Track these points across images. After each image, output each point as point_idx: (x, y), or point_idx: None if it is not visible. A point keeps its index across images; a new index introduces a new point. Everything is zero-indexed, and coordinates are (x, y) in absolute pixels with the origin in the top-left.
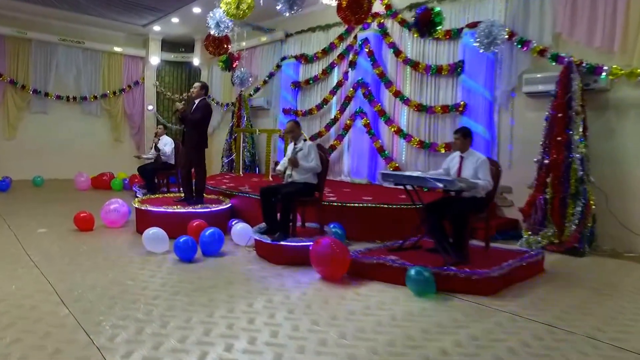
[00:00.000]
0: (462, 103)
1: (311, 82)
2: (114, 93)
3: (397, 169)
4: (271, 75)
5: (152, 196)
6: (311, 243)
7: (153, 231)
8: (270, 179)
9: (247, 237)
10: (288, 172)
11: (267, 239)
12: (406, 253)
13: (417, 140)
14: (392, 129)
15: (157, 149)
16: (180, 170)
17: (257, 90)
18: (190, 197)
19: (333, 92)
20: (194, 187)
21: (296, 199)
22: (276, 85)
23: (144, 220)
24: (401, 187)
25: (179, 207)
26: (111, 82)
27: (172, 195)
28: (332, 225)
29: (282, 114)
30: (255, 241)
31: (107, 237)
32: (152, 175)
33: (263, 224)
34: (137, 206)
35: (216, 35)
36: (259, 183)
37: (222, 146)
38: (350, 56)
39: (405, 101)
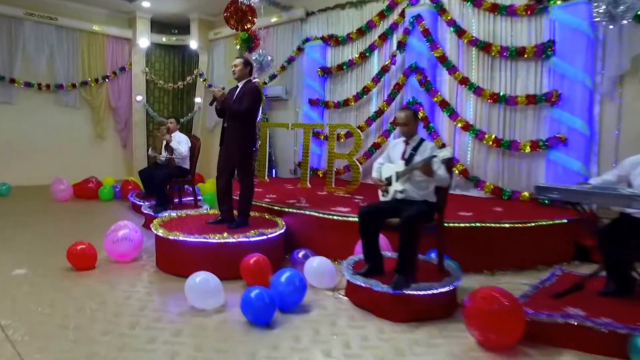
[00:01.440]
0: (554, 92)
1: (345, 67)
2: (96, 81)
3: (464, 172)
4: (290, 60)
5: (173, 214)
6: (448, 289)
7: (201, 278)
8: (309, 185)
9: (328, 277)
10: (397, 185)
11: (381, 287)
12: (575, 298)
13: (492, 137)
14: (459, 124)
15: (168, 149)
16: (218, 179)
17: (272, 77)
18: (230, 218)
19: (376, 79)
20: (234, 203)
21: (422, 224)
22: (297, 71)
23: (169, 253)
24: (569, 205)
25: (225, 235)
26: (92, 67)
27: (195, 211)
28: (431, 254)
29: (308, 105)
30: (348, 284)
31: (121, 282)
32: (164, 184)
33: (353, 258)
34: (160, 234)
35: (243, 2)
36: (307, 192)
37: None
38: (399, 36)
39: (476, 90)
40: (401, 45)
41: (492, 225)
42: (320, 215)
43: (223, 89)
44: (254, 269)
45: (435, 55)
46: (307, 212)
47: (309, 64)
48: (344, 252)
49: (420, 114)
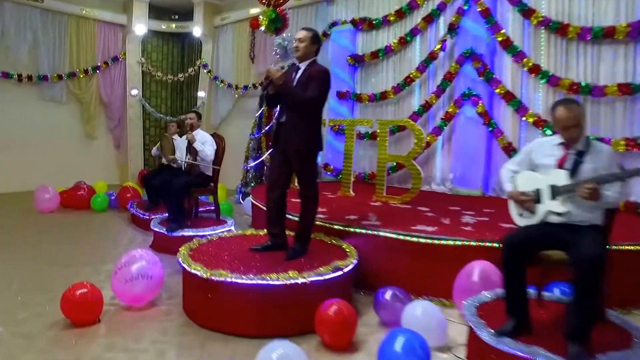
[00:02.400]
0: None
1: (381, 55)
2: (85, 72)
3: None
4: None
5: (200, 238)
6: None
7: (282, 352)
8: (352, 193)
9: (438, 331)
10: (555, 204)
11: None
12: None
13: None
14: (529, 119)
15: (191, 151)
16: (270, 192)
17: (291, 67)
18: (283, 243)
19: (422, 67)
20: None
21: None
22: (322, 60)
23: (208, 300)
24: None
25: (292, 274)
26: (81, 56)
27: (226, 232)
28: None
29: (336, 98)
30: (473, 344)
31: (140, 346)
32: (183, 195)
33: (472, 302)
34: (197, 272)
35: None
36: (353, 202)
37: (243, 145)
38: (450, 17)
39: (550, 79)
40: (453, 28)
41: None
42: (400, 237)
43: (283, 68)
44: (336, 323)
45: (498, 39)
46: (380, 233)
47: (337, 51)
48: (436, 288)
49: (479, 109)
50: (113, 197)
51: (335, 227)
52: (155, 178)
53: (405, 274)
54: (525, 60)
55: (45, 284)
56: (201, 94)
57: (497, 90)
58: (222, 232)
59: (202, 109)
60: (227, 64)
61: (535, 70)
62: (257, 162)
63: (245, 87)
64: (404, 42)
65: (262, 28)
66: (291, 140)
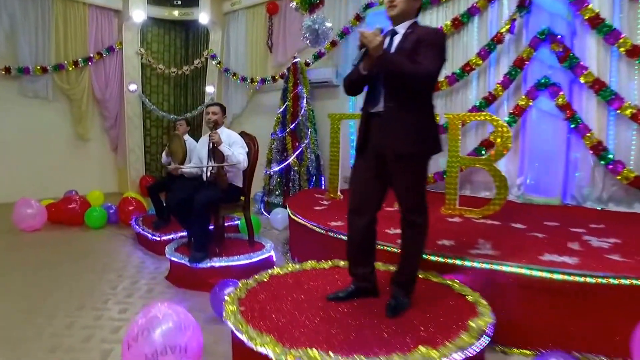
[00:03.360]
0: None
1: None
2: (75, 64)
3: (636, 181)
4: (344, 33)
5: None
6: None
7: None
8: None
9: None
10: None
11: None
12: None
13: None
14: (625, 112)
15: (216, 155)
16: (354, 216)
17: (317, 57)
18: (373, 288)
19: (484, 53)
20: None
21: None
22: (354, 48)
23: None
24: None
25: (425, 350)
26: (69, 46)
27: (281, 269)
28: None
29: None
30: None
31: None
32: (209, 214)
33: None
34: (270, 354)
35: None
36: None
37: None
38: None
39: None
40: (523, 5)
41: None
42: (536, 273)
43: (381, 30)
44: None
45: (585, 16)
46: (504, 268)
47: None
48: (601, 343)
49: (559, 100)
50: (112, 211)
51: (433, 258)
52: (174, 194)
53: (552, 325)
54: (622, 40)
55: (16, 344)
56: (209, 89)
57: (583, 79)
58: (261, 258)
59: None
60: (239, 55)
61: (635, 53)
62: (282, 166)
63: (263, 81)
64: (459, 24)
65: (294, 4)
66: (393, 139)
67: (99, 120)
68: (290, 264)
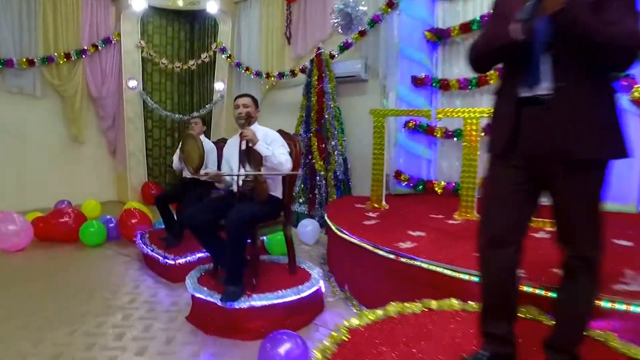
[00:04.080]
0: None
1: (475, 27)
2: (67, 57)
3: None
4: (375, 22)
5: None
6: None
7: None
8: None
9: None
10: None
11: None
12: None
13: None
14: None
15: (252, 158)
16: (494, 245)
17: (343, 48)
18: (514, 351)
19: None
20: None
21: None
22: (386, 37)
23: None
24: None
25: None
26: (60, 36)
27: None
28: None
29: (411, 86)
30: None
31: None
32: (246, 237)
33: None
34: None
35: None
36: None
37: None
38: None
39: None
40: None
41: None
42: None
43: None
44: None
45: None
46: None
47: (408, 25)
48: None
49: (636, 94)
50: (112, 225)
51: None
52: (195, 212)
53: None
54: None
55: None
56: (219, 85)
57: None
58: (311, 292)
59: (221, 104)
60: (252, 47)
61: None
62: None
63: (281, 75)
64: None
65: None
66: (569, 136)
67: (95, 121)
68: (366, 312)
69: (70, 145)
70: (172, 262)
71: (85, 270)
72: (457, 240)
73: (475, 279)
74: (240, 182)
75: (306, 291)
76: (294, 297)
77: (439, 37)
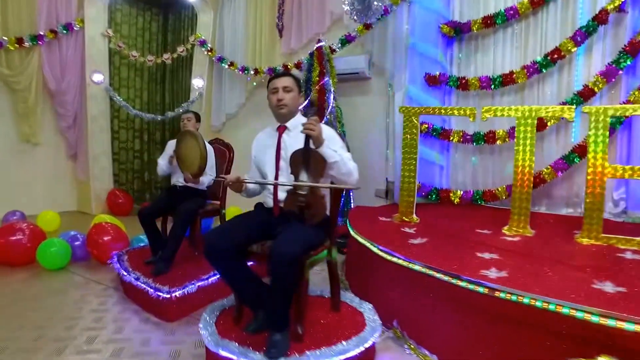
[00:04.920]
0: None
1: (499, 21)
2: (19, 42)
3: None
4: (384, 13)
5: None
6: None
7: None
8: (532, 231)
9: None
10: None
11: None
12: None
13: None
14: None
15: (306, 163)
16: None
17: (345, 42)
18: None
19: (580, 37)
20: None
21: None
22: (394, 31)
23: None
24: None
25: None
26: (11, 19)
27: None
28: None
29: (424, 84)
30: None
31: None
32: (298, 263)
33: None
34: None
35: None
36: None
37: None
38: None
39: None
40: None
41: None
42: None
43: None
44: None
45: None
46: None
47: (422, 18)
48: None
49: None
50: (78, 242)
51: None
52: (221, 238)
53: None
54: None
55: None
56: (198, 82)
57: None
58: (373, 342)
59: (200, 102)
60: (238, 40)
61: None
62: None
63: (271, 71)
64: (539, 2)
65: None
66: None
67: (52, 119)
68: None
69: (22, 147)
70: (166, 295)
71: (44, 304)
72: (541, 264)
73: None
74: (283, 196)
75: (370, 339)
76: (358, 351)
77: (457, 32)
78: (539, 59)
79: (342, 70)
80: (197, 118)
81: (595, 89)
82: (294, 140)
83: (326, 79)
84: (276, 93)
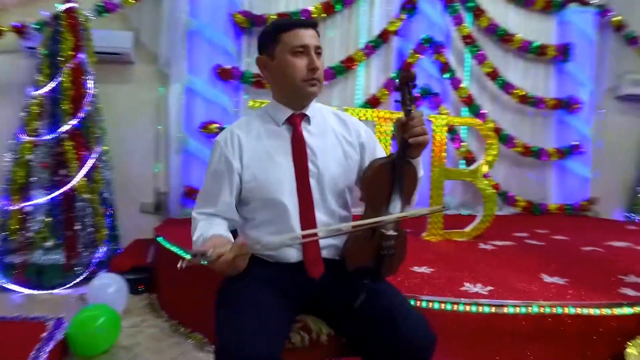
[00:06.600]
0: (571, 99)
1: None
2: None
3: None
4: None
5: None
6: None
7: None
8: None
9: None
10: None
11: None
12: None
13: (521, 144)
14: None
15: (400, 180)
16: None
17: (104, 9)
18: None
19: (369, 49)
20: None
21: None
22: (171, 10)
23: None
24: None
25: None
26: None
27: None
28: None
29: (213, 77)
30: None
31: None
32: None
33: None
34: None
35: None
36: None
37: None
38: None
39: (506, 87)
40: (412, 5)
41: None
42: None
43: None
44: None
45: (461, 34)
46: None
47: (210, 3)
48: None
49: (444, 117)
50: None
51: None
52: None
53: None
54: (486, 62)
55: None
56: None
57: (460, 94)
58: None
59: None
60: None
61: (495, 75)
62: (56, 193)
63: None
64: (330, 9)
65: None
66: None
67: None
68: None
69: None
70: None
71: None
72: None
73: None
74: (328, 243)
75: None
76: None
77: (251, 24)
78: (336, 65)
79: (98, 47)
80: None
81: (379, 98)
82: (319, 140)
83: (81, 55)
84: (306, 55)
